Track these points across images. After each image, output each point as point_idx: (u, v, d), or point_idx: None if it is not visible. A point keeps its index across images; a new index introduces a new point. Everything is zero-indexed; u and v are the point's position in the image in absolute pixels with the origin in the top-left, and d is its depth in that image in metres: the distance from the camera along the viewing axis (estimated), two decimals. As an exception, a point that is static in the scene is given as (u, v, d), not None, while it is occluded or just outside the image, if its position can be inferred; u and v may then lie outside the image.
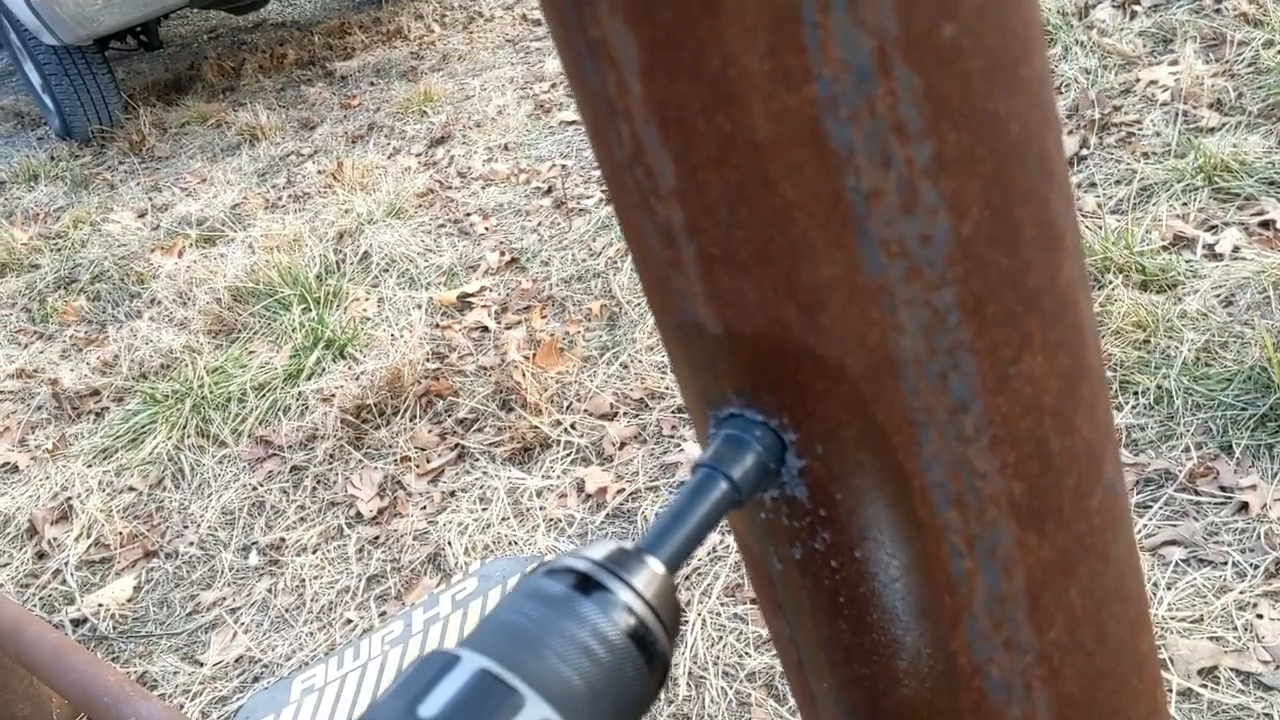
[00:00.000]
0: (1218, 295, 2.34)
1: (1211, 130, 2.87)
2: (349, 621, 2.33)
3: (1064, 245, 0.37)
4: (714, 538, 2.18)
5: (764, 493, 0.39)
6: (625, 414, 2.66)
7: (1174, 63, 3.22)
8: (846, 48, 0.31)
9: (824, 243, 0.33)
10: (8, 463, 3.16)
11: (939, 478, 0.37)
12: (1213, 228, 2.56)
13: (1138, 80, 3.21)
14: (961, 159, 0.33)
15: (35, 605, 2.62)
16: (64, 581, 2.68)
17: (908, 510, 0.37)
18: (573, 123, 4.40)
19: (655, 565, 0.35)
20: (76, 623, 2.55)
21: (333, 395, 2.97)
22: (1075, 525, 0.39)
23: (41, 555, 2.78)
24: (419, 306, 3.31)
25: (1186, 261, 2.46)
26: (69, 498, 2.92)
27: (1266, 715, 1.60)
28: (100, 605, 2.57)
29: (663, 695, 1.80)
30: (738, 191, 0.33)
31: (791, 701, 1.84)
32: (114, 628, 2.52)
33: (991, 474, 0.37)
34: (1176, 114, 2.99)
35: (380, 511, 2.61)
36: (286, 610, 2.39)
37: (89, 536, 2.79)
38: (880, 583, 0.39)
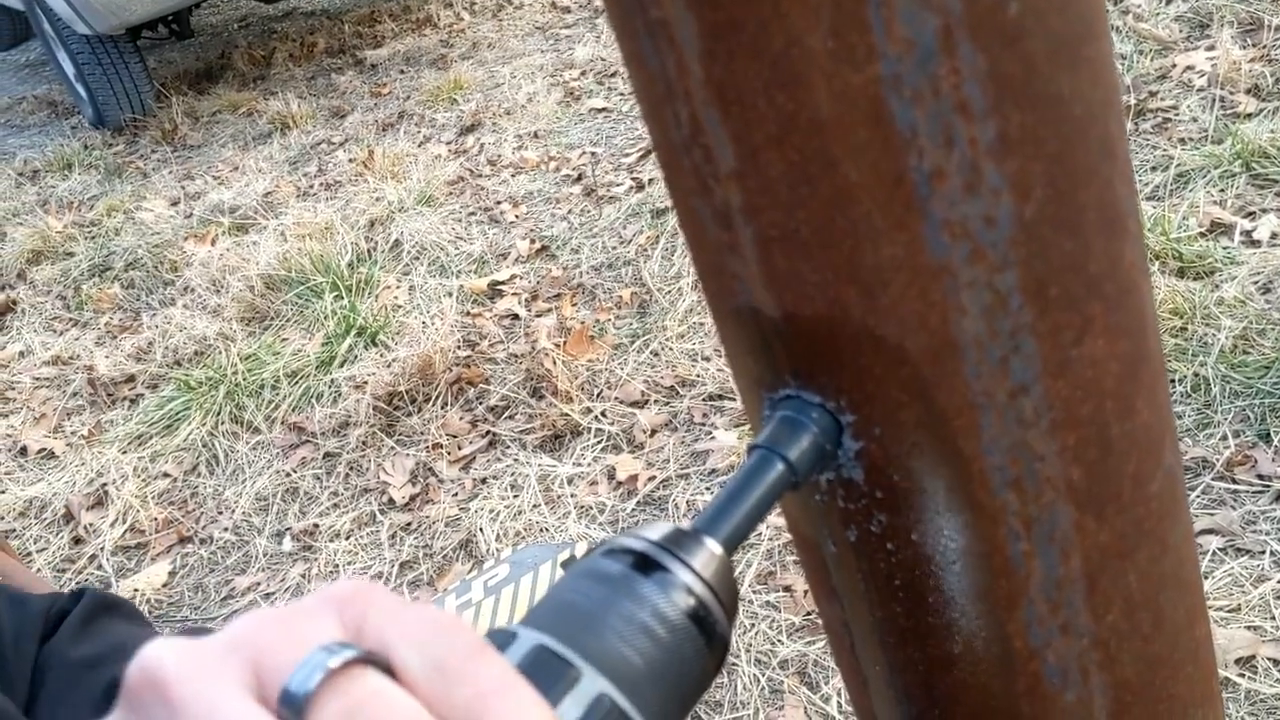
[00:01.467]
0: (1255, 282, 2.31)
1: (1249, 116, 2.84)
2: (382, 607, 2.35)
3: (1126, 228, 0.36)
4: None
5: (819, 475, 0.39)
6: (656, 401, 2.66)
7: (1211, 48, 3.19)
8: (911, 26, 0.31)
9: (886, 223, 0.33)
10: (44, 449, 3.19)
11: (998, 461, 0.36)
12: (1250, 214, 2.53)
13: (1174, 65, 3.18)
14: (1025, 140, 0.33)
15: (64, 592, 2.65)
16: (100, 566, 2.71)
17: (966, 493, 0.37)
18: (602, 110, 4.40)
19: (713, 546, 0.35)
20: (113, 607, 2.57)
21: (365, 382, 2.98)
22: (1134, 510, 0.39)
23: (78, 540, 2.81)
24: (450, 294, 3.31)
25: (1224, 248, 2.44)
26: (104, 484, 2.95)
27: (1305, 706, 1.58)
28: (136, 590, 2.60)
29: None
30: (799, 172, 0.33)
31: (825, 689, 1.84)
32: (150, 612, 2.54)
33: (1051, 457, 0.37)
34: (1213, 99, 2.96)
35: (412, 498, 2.62)
36: (320, 595, 2.41)
37: (124, 522, 2.81)
38: (936, 565, 0.39)
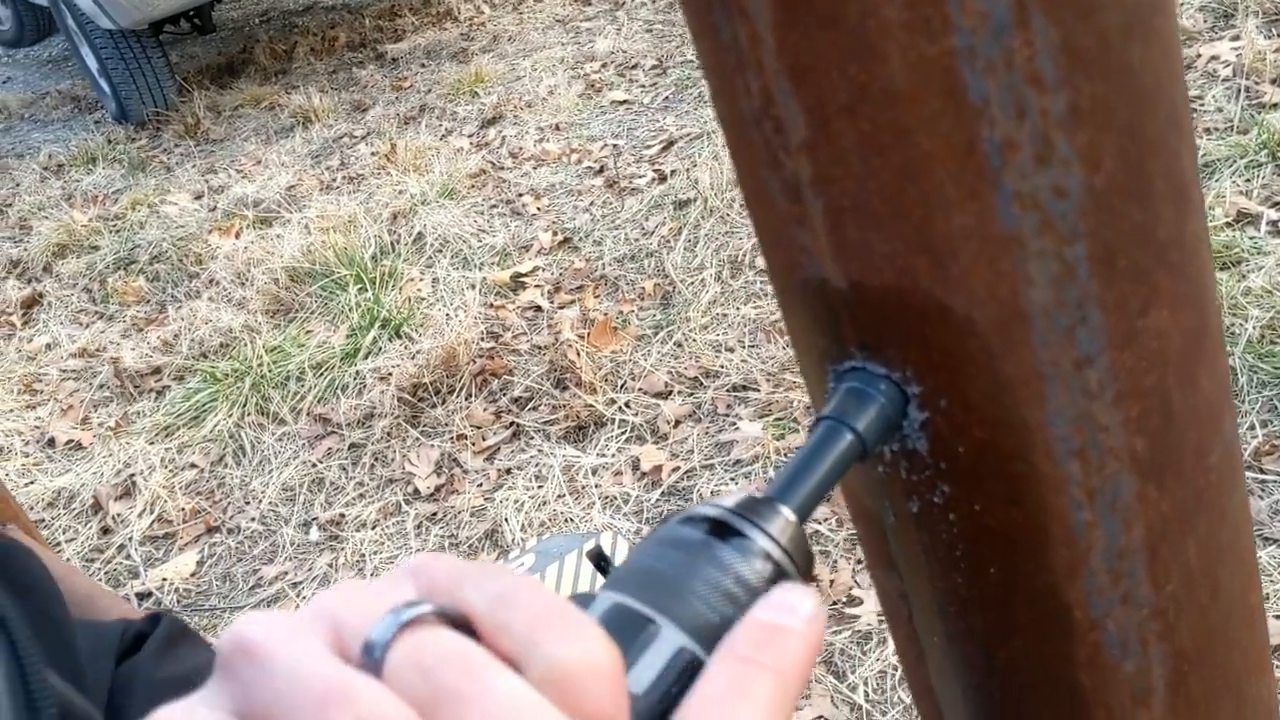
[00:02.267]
0: (1283, 273, 2.30)
1: (1275, 106, 2.82)
2: (408, 596, 2.36)
3: (1191, 199, 0.37)
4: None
5: (883, 446, 0.39)
6: (680, 392, 2.66)
7: (1235, 38, 3.17)
8: (985, -1, 0.31)
9: (958, 194, 0.33)
10: (72, 440, 3.21)
11: (1062, 431, 0.37)
12: (1277, 204, 2.52)
13: (1199, 56, 3.16)
14: (1096, 110, 0.33)
15: (101, 579, 2.67)
16: (128, 556, 2.73)
17: (1030, 463, 0.37)
18: (624, 102, 4.40)
19: (787, 513, 0.35)
20: (142, 596, 2.60)
21: (389, 374, 3.00)
22: (1195, 480, 0.39)
23: (106, 530, 2.83)
24: (473, 286, 3.33)
25: (1250, 238, 2.43)
26: (132, 474, 2.97)
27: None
28: (164, 579, 2.62)
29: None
30: (871, 143, 0.33)
31: (851, 678, 1.84)
32: (178, 601, 2.56)
33: (1115, 428, 0.37)
34: (1238, 90, 2.95)
35: (437, 488, 2.63)
36: (347, 585, 2.42)
37: (152, 512, 2.84)
38: (998, 536, 0.39)
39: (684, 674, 0.31)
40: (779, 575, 0.34)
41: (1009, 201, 0.33)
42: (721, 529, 0.34)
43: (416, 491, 2.64)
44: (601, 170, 3.88)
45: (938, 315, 0.36)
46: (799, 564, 0.35)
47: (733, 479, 2.36)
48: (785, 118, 0.35)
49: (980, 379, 0.36)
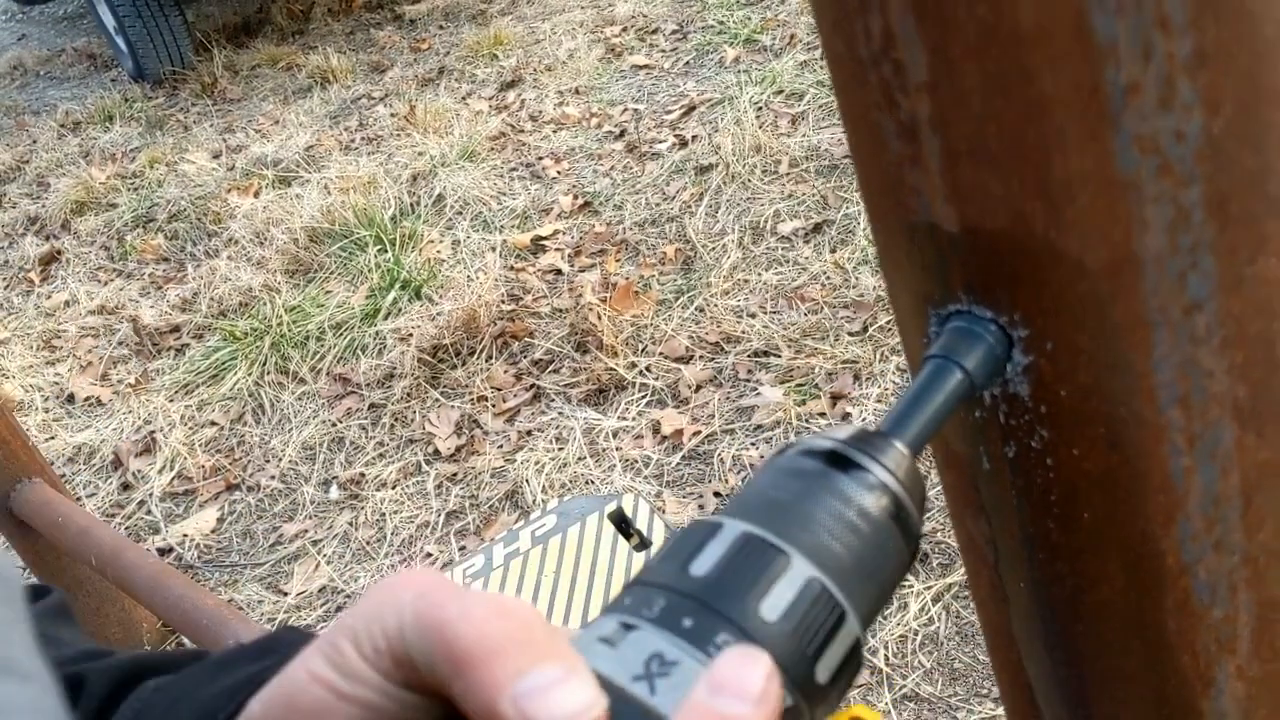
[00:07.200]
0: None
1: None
2: (429, 555, 2.38)
3: (1301, 149, 0.37)
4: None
5: (984, 389, 0.40)
6: (701, 357, 2.67)
7: None
8: (1118, -61, 0.31)
9: (1078, 136, 0.34)
10: (91, 397, 3.23)
11: (1167, 377, 0.37)
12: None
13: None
14: (1219, 54, 0.33)
15: (122, 534, 2.69)
16: (149, 512, 2.75)
17: (1132, 408, 0.38)
18: (644, 67, 4.38)
19: (901, 447, 0.36)
20: (162, 551, 2.62)
21: (410, 335, 3.00)
22: (1293, 429, 0.40)
23: (126, 486, 2.85)
24: (493, 249, 3.33)
25: None
26: (152, 431, 2.99)
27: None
28: (185, 535, 2.64)
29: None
30: (994, 83, 0.33)
31: (872, 641, 1.85)
32: (199, 557, 2.58)
33: (1219, 374, 0.37)
34: None
35: (458, 449, 2.64)
36: (368, 543, 2.44)
37: (172, 469, 2.85)
38: (1095, 481, 0.40)
39: (815, 603, 0.31)
40: (897, 508, 0.34)
41: (1129, 144, 0.34)
42: (840, 460, 0.35)
43: (437, 452, 2.65)
44: (622, 134, 3.87)
45: (1049, 259, 0.36)
46: (914, 497, 0.35)
47: (753, 444, 2.37)
48: (906, 59, 0.35)
49: (1088, 323, 0.37)
